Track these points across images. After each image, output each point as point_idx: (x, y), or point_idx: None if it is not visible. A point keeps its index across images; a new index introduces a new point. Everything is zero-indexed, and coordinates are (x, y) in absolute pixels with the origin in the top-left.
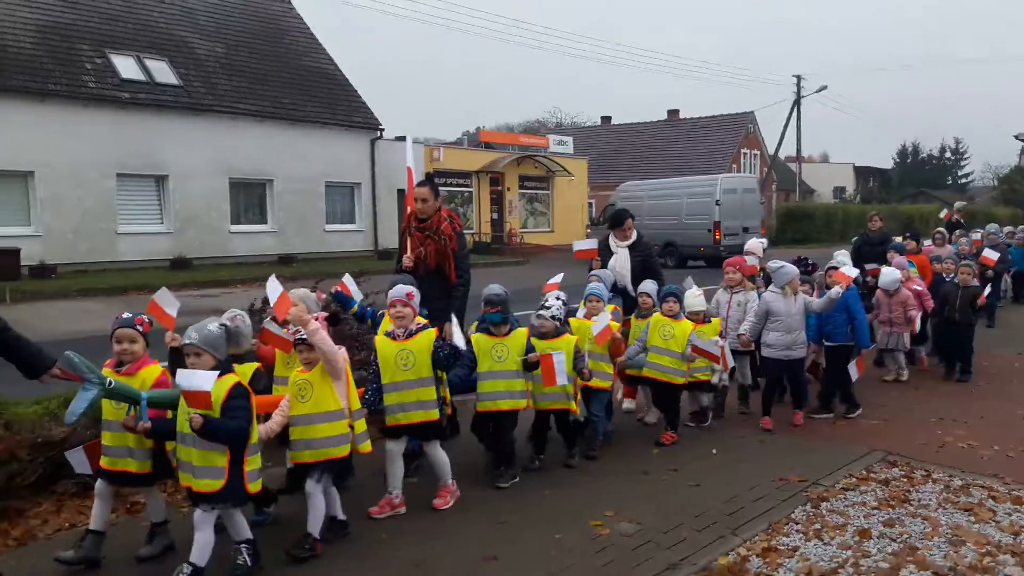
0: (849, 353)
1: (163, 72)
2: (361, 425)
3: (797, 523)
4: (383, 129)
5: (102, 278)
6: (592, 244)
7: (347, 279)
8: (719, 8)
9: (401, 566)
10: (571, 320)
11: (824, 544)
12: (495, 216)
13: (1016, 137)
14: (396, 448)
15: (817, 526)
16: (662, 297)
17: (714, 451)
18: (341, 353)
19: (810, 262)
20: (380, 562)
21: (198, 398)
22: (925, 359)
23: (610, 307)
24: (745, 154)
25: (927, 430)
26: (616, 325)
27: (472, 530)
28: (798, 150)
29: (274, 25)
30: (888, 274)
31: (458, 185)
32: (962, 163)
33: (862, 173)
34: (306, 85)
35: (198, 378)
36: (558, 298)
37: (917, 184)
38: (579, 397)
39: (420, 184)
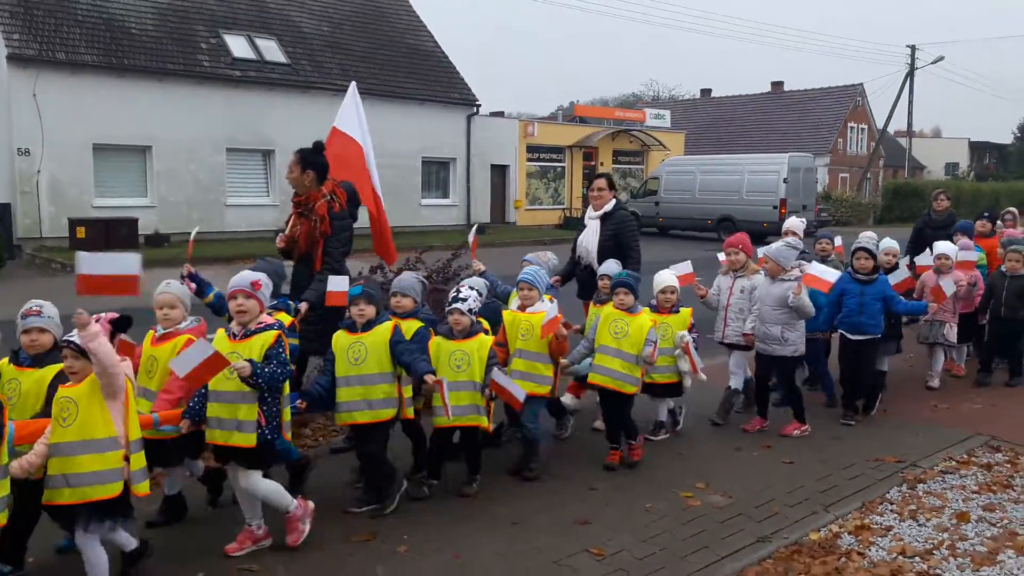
0: (878, 348)
1: (272, 51)
2: (139, 460)
3: (892, 503)
4: (479, 105)
5: (211, 247)
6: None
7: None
8: None
9: (501, 524)
10: (505, 313)
11: (919, 525)
12: (586, 191)
13: None
14: (232, 473)
15: (913, 507)
16: (613, 286)
17: (808, 429)
18: (125, 367)
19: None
20: (481, 519)
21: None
22: (962, 366)
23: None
24: (852, 128)
25: None
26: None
27: (565, 495)
28: (909, 124)
29: (377, 3)
30: (942, 246)
31: (551, 160)
32: None
33: (977, 149)
34: (407, 63)
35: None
36: (473, 288)
37: None
38: (492, 409)
39: (295, 152)
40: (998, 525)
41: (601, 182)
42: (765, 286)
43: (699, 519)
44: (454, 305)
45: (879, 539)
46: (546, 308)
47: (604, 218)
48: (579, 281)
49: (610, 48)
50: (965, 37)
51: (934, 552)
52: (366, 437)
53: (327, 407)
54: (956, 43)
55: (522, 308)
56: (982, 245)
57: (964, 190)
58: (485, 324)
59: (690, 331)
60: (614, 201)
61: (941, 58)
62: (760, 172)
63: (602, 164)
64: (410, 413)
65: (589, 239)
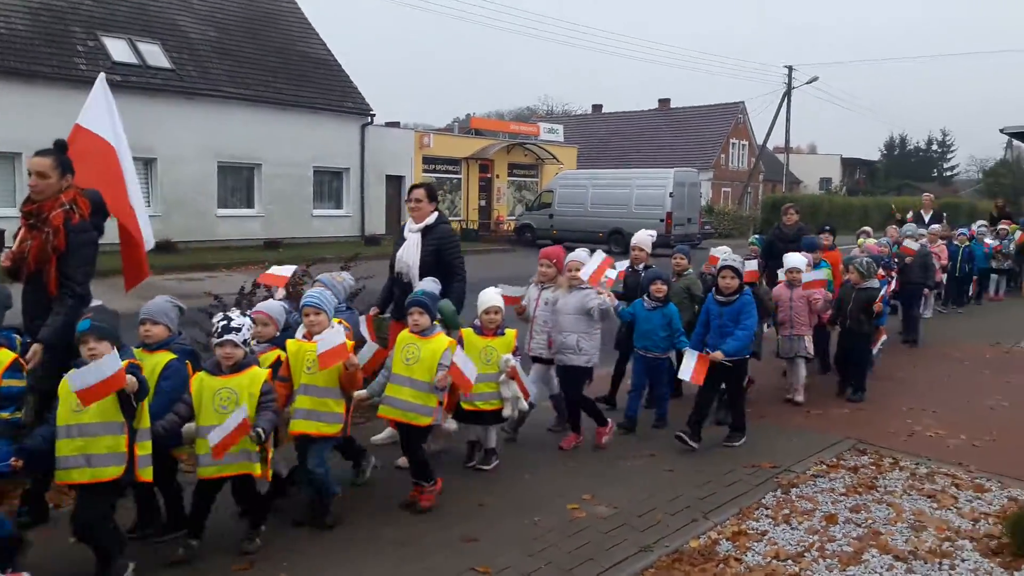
0: (743, 368)
1: (155, 55)
2: None
3: (767, 508)
4: (374, 114)
5: None
6: (285, 272)
7: None
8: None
9: (388, 546)
10: (288, 343)
11: (792, 528)
12: (483, 203)
13: (1002, 131)
14: None
15: (786, 511)
16: (407, 306)
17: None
18: None
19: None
20: (367, 542)
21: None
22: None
23: (336, 320)
24: (734, 144)
25: (898, 419)
26: (350, 344)
27: (453, 513)
28: (787, 141)
29: (267, 9)
30: (793, 259)
31: (447, 172)
32: (948, 156)
33: (849, 164)
34: (298, 70)
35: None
36: (245, 314)
37: (903, 176)
38: (271, 456)
39: (41, 153)
40: (863, 525)
41: (419, 192)
42: (564, 296)
43: (585, 531)
44: (226, 336)
45: (755, 544)
46: (328, 336)
47: (425, 231)
48: (395, 301)
49: (506, 62)
50: (838, 59)
51: (805, 554)
52: (84, 501)
53: (50, 464)
54: (830, 64)
55: (308, 336)
56: (826, 258)
57: (836, 204)
58: (281, 355)
59: (515, 354)
60: (436, 214)
61: (816, 78)
62: (648, 186)
63: (498, 176)
64: (146, 476)
65: (409, 254)
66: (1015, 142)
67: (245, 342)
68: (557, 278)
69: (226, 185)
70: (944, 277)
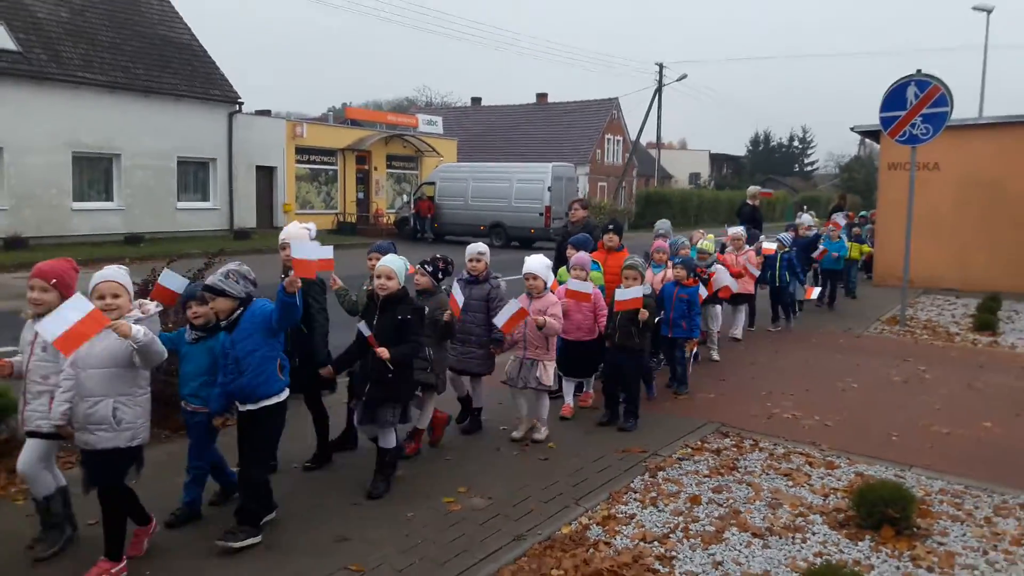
0: (275, 421)
1: None
2: None
3: (636, 492)
4: (242, 103)
5: None
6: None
7: None
8: None
9: (255, 551)
10: None
11: (659, 511)
12: (361, 196)
13: (852, 129)
14: None
15: (653, 494)
16: None
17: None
18: None
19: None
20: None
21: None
22: (591, 393)
23: None
24: (609, 139)
25: (758, 403)
26: None
27: (325, 512)
28: (658, 137)
29: None
30: (531, 262)
31: (322, 163)
32: (808, 151)
33: (717, 160)
34: (159, 54)
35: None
36: None
37: (767, 171)
38: None
39: None
40: (724, 505)
41: None
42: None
43: (460, 523)
44: None
45: (623, 527)
46: None
47: None
48: None
49: (383, 51)
50: (705, 58)
51: (671, 535)
52: None
53: None
54: (700, 62)
55: None
56: (610, 261)
57: (706, 198)
58: None
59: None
60: None
61: (685, 76)
62: (527, 180)
63: (376, 169)
64: None
65: None
66: (867, 140)
67: None
68: (140, 307)
69: (82, 177)
70: (755, 288)
